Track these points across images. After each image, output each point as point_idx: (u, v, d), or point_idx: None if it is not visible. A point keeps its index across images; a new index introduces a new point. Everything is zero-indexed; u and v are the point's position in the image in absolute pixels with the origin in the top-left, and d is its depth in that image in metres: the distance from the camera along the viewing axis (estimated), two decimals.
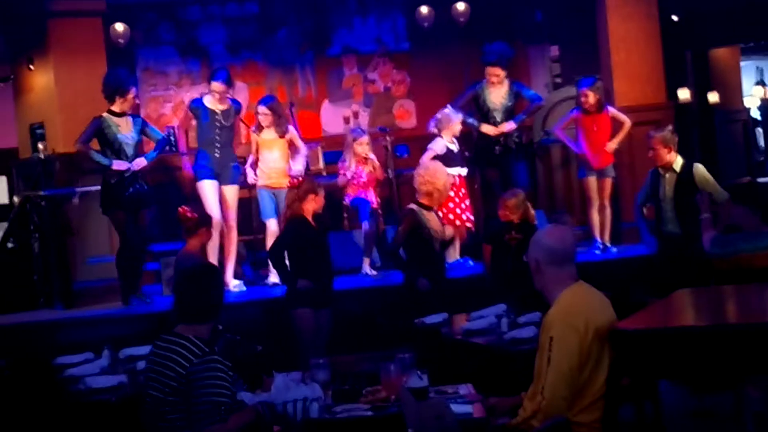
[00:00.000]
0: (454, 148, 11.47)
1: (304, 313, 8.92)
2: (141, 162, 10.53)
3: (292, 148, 11.40)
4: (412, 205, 9.39)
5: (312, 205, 8.98)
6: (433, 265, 9.31)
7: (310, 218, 9.00)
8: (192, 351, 5.36)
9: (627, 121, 11.62)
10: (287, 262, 9.13)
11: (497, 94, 11.58)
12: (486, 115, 11.60)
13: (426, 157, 11.15)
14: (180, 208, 9.21)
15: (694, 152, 14.41)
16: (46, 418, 7.67)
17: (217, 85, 10.93)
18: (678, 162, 9.72)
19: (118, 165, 10.41)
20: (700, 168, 9.74)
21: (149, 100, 14.02)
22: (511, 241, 9.40)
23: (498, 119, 11.55)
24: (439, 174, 9.35)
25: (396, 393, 5.66)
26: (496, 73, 11.52)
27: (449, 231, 10.27)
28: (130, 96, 10.50)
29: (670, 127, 10.04)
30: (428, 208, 9.31)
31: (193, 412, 5.30)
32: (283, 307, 9.15)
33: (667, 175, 9.74)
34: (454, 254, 11.44)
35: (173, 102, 13.99)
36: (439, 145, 11.40)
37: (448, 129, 11.45)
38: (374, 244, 11.53)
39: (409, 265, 9.34)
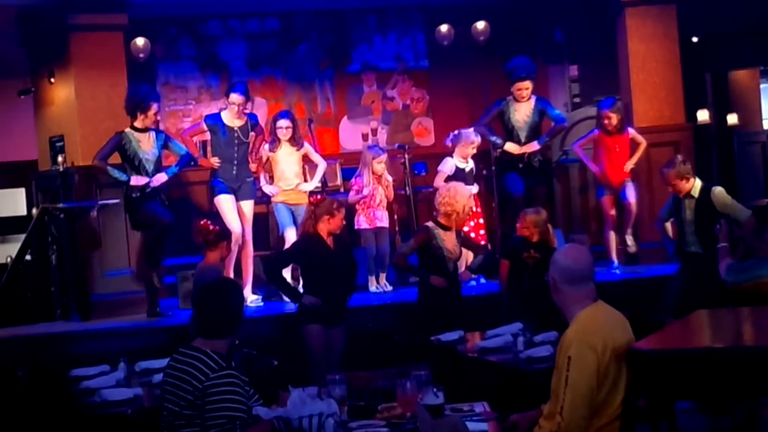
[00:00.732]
0: (465, 167, 11.45)
1: (313, 329, 8.93)
2: (161, 177, 10.55)
3: (308, 163, 11.44)
4: (429, 223, 9.39)
5: (327, 225, 8.97)
6: (446, 284, 9.28)
7: (324, 236, 9.00)
8: (209, 365, 5.37)
9: (643, 142, 11.62)
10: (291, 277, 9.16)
11: (522, 111, 11.56)
12: (510, 133, 11.59)
13: (437, 180, 11.17)
14: (201, 222, 9.24)
15: (713, 174, 14.39)
16: (61, 430, 7.67)
17: (235, 97, 10.96)
18: (697, 187, 9.72)
19: (136, 180, 10.43)
20: (717, 191, 9.72)
21: (168, 114, 14.06)
22: (529, 259, 9.37)
23: (522, 137, 11.53)
24: (460, 196, 9.28)
25: (412, 410, 5.65)
26: (527, 86, 11.51)
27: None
28: (152, 112, 10.51)
29: (679, 158, 10.00)
30: (446, 228, 9.27)
31: (208, 427, 5.31)
32: (295, 322, 9.16)
33: (687, 201, 9.74)
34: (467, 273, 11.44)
35: (192, 117, 14.01)
36: (447, 166, 11.40)
37: (461, 148, 11.43)
38: (383, 262, 11.53)
39: (419, 269, 9.34)
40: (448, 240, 9.25)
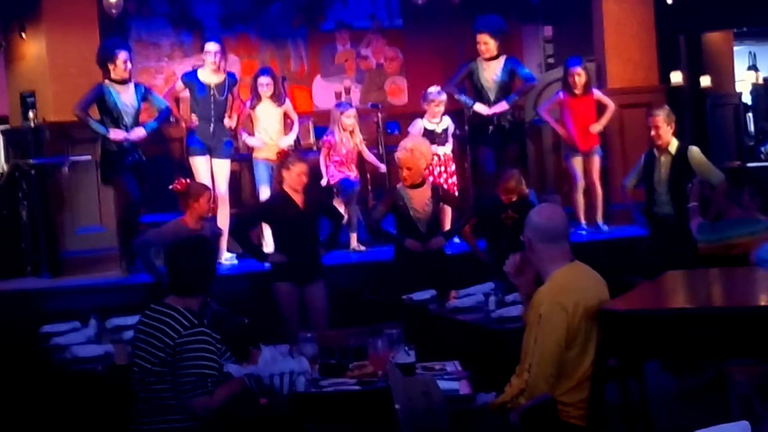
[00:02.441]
0: (436, 127, 11.40)
1: (283, 287, 8.91)
2: (139, 132, 10.53)
3: (286, 121, 11.42)
4: (398, 184, 9.37)
5: (287, 180, 8.93)
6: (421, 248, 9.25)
7: (290, 193, 8.94)
8: (181, 322, 5.38)
9: (611, 105, 11.60)
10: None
11: (491, 71, 11.45)
12: (480, 93, 11.49)
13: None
14: (174, 184, 9.25)
15: (686, 135, 14.42)
16: (31, 386, 7.66)
17: (211, 45, 10.95)
18: (674, 144, 9.73)
19: (115, 134, 10.40)
20: (695, 150, 9.75)
21: (141, 71, 13.94)
22: (507, 220, 9.37)
23: (491, 97, 11.43)
24: (407, 144, 9.28)
25: (383, 368, 5.67)
26: (485, 40, 11.33)
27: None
28: (120, 60, 10.45)
29: (667, 108, 10.02)
30: (414, 186, 9.26)
31: (180, 384, 5.33)
32: (267, 279, 9.15)
33: (663, 158, 9.75)
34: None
35: (165, 74, 13.95)
36: (416, 128, 11.35)
37: (427, 107, 11.40)
38: (359, 219, 11.49)
39: (393, 234, 9.32)
40: (416, 199, 9.19)
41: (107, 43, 10.75)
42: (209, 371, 5.35)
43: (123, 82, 10.52)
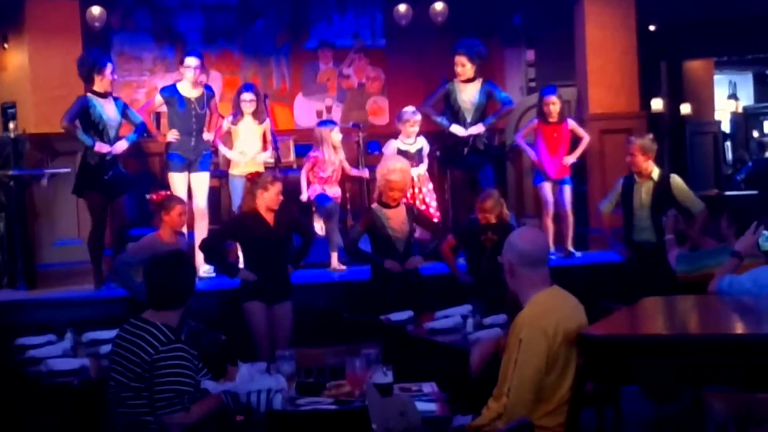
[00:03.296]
0: (410, 148, 11.42)
1: (253, 306, 8.84)
2: (122, 145, 10.56)
3: (265, 139, 11.42)
4: (374, 204, 9.35)
5: (263, 201, 8.89)
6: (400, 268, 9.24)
7: (262, 212, 8.91)
8: (158, 338, 5.37)
9: (586, 137, 11.63)
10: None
11: (468, 92, 11.47)
12: (456, 114, 11.49)
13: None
14: (150, 197, 9.24)
15: (665, 162, 14.49)
16: (6, 398, 7.61)
17: (191, 60, 10.99)
18: (656, 171, 9.78)
19: (100, 147, 10.39)
20: (677, 178, 9.82)
21: (123, 85, 13.94)
22: (487, 242, 9.38)
23: (468, 119, 11.44)
24: (387, 166, 9.24)
25: (360, 388, 5.66)
26: (462, 62, 11.34)
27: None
28: (108, 71, 10.46)
29: (650, 136, 10.07)
30: (389, 206, 9.25)
31: (156, 399, 5.31)
32: (237, 299, 9.11)
33: (644, 184, 9.79)
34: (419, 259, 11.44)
35: (147, 88, 13.95)
36: (389, 148, 11.38)
37: (402, 127, 11.45)
38: (338, 238, 11.47)
39: (372, 255, 9.29)
40: (393, 219, 9.18)
41: (94, 54, 10.71)
42: (186, 387, 5.33)
43: (106, 95, 10.50)
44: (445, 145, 11.79)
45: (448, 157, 11.78)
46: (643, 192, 9.80)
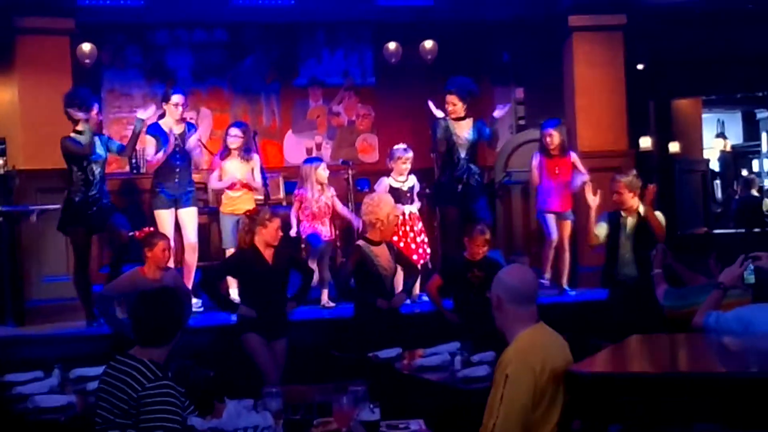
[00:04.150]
0: (402, 185, 11.45)
1: (252, 338, 8.88)
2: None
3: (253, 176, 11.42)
4: (360, 241, 9.35)
5: (261, 237, 8.93)
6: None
7: (261, 249, 8.95)
8: (145, 375, 5.35)
9: (585, 175, 11.59)
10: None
11: (461, 129, 11.48)
12: (450, 150, 11.50)
13: None
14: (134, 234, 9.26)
15: (654, 200, 14.52)
16: None
17: (177, 97, 11.02)
18: (641, 207, 9.81)
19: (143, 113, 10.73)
20: (657, 213, 9.86)
21: (113, 121, 14.01)
22: (474, 279, 9.41)
23: (462, 155, 11.45)
24: (383, 204, 9.26)
25: (347, 425, 5.64)
26: (453, 101, 11.32)
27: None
28: (94, 112, 10.43)
29: (634, 172, 10.09)
30: (376, 243, 9.26)
31: None
32: (234, 333, 9.12)
33: (629, 219, 9.82)
34: (415, 290, 11.44)
35: None
36: (381, 186, 11.39)
37: (393, 164, 11.47)
38: (328, 275, 11.46)
39: (363, 294, 9.28)
40: (381, 256, 9.20)
41: (84, 92, 10.70)
42: (171, 425, 5.30)
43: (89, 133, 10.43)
44: (439, 182, 11.78)
45: (441, 194, 11.75)
46: (628, 227, 9.84)
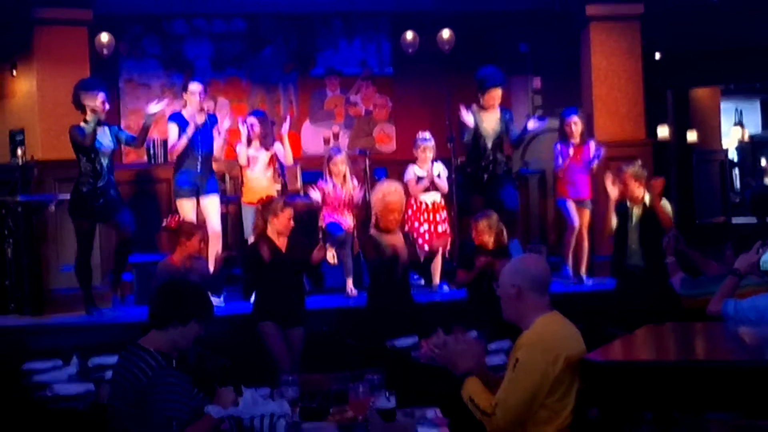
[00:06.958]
0: (425, 174, 11.47)
1: (268, 326, 8.92)
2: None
3: (275, 165, 11.42)
4: (372, 230, 9.39)
5: (273, 226, 8.97)
6: (394, 290, 9.28)
7: (275, 238, 8.98)
8: (150, 364, 5.39)
9: (601, 148, 11.59)
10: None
11: (490, 119, 11.50)
12: (477, 141, 11.52)
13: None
14: (166, 225, 9.33)
15: (671, 190, 14.51)
16: (12, 423, 7.63)
17: (195, 85, 11.04)
18: (647, 196, 9.82)
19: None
20: (664, 202, 9.86)
21: (131, 111, 14.02)
22: (486, 267, 9.41)
23: (489, 144, 11.45)
24: (388, 192, 9.29)
25: (363, 413, 5.67)
26: (499, 95, 11.47)
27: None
28: (98, 101, 10.40)
29: (639, 162, 10.11)
30: (386, 231, 9.29)
31: (149, 426, 5.30)
32: (250, 321, 9.16)
33: (635, 209, 9.83)
34: (435, 279, 11.47)
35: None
36: (408, 175, 11.43)
37: (417, 153, 11.50)
38: (351, 264, 11.48)
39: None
40: (395, 243, 9.25)
41: (92, 79, 10.80)
42: (175, 413, 5.30)
43: (100, 122, 10.47)
44: (465, 172, 11.79)
45: (466, 183, 11.77)
46: (635, 217, 9.86)
